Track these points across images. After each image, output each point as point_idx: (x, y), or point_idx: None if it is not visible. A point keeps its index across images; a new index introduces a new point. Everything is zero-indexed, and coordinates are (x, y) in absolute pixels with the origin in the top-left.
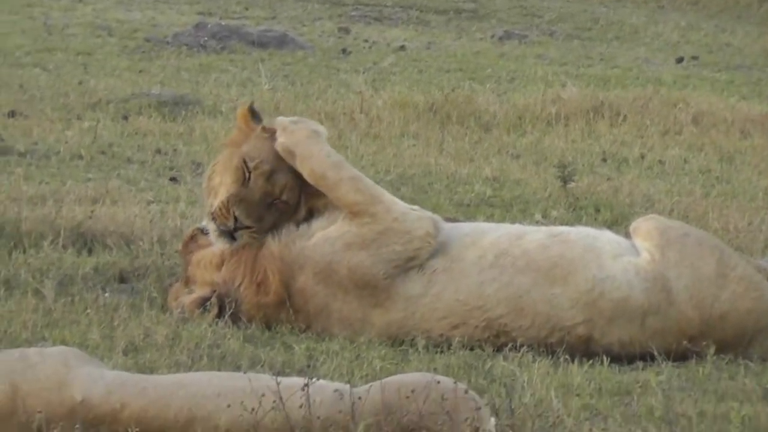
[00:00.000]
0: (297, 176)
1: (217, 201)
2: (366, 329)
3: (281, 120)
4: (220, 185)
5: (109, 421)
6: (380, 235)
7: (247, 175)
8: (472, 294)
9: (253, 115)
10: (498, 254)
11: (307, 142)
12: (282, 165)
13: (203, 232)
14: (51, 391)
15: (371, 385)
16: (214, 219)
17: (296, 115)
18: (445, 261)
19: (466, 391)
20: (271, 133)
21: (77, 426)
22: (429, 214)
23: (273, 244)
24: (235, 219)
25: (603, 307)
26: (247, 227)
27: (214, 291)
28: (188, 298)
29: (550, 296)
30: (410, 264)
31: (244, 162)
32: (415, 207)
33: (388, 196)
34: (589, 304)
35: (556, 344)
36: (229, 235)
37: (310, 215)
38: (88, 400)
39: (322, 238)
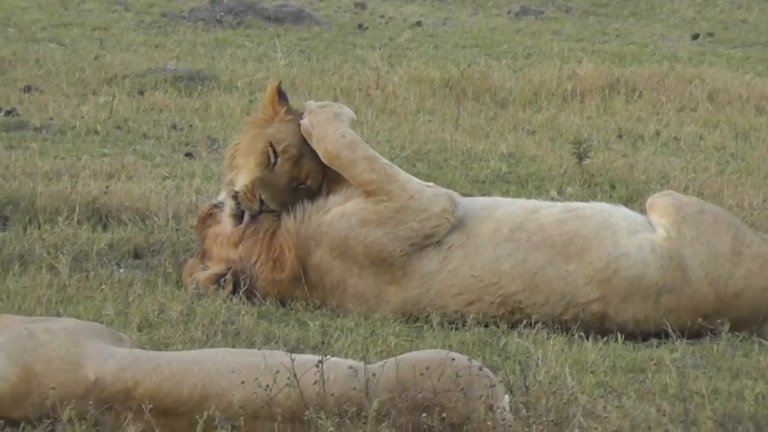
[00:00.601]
0: (321, 161)
1: (240, 182)
2: (381, 306)
3: (310, 104)
4: (243, 167)
5: (123, 398)
6: (396, 212)
7: (273, 159)
8: (487, 270)
9: (281, 95)
10: (513, 228)
11: (324, 123)
12: (308, 149)
13: (220, 208)
14: (65, 372)
15: (385, 362)
16: (235, 199)
17: (311, 90)
18: (461, 236)
19: (480, 368)
20: (297, 116)
21: (91, 404)
22: (445, 190)
23: (289, 221)
24: (261, 202)
25: (618, 284)
26: (272, 211)
27: (230, 268)
28: (203, 275)
29: (565, 273)
30: (428, 241)
31: (271, 146)
32: (431, 184)
33: (403, 175)
34: (604, 281)
35: (571, 321)
36: (241, 217)
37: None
38: (102, 378)
39: (338, 213)
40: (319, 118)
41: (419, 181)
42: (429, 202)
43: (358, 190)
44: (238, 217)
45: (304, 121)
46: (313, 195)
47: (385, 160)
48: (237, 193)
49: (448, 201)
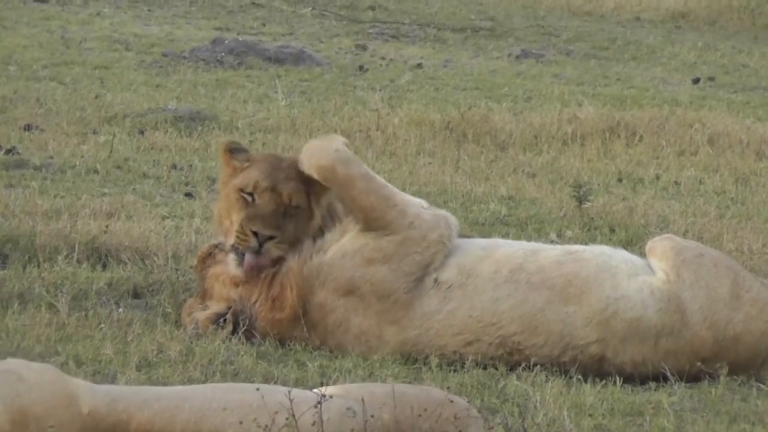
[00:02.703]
0: (300, 181)
1: (232, 235)
2: (381, 347)
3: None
4: (231, 223)
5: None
6: (399, 246)
7: (249, 199)
8: (487, 311)
9: (233, 151)
10: (513, 269)
11: (316, 144)
12: (279, 177)
13: (220, 248)
14: (62, 409)
15: (384, 403)
16: (235, 249)
17: (312, 131)
18: (461, 276)
19: (478, 411)
20: (256, 158)
21: None
22: (442, 212)
23: (292, 260)
24: (255, 234)
25: (617, 326)
26: (270, 237)
27: (230, 307)
28: (203, 314)
29: (564, 315)
30: (428, 270)
31: (241, 191)
32: (425, 204)
33: (400, 197)
34: (603, 323)
35: (569, 363)
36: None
37: (330, 216)
38: (96, 411)
39: (339, 252)
40: (311, 144)
41: (415, 200)
42: (428, 227)
43: (354, 221)
44: (242, 262)
45: (299, 155)
46: (305, 215)
47: (381, 179)
48: (233, 243)
49: (445, 224)
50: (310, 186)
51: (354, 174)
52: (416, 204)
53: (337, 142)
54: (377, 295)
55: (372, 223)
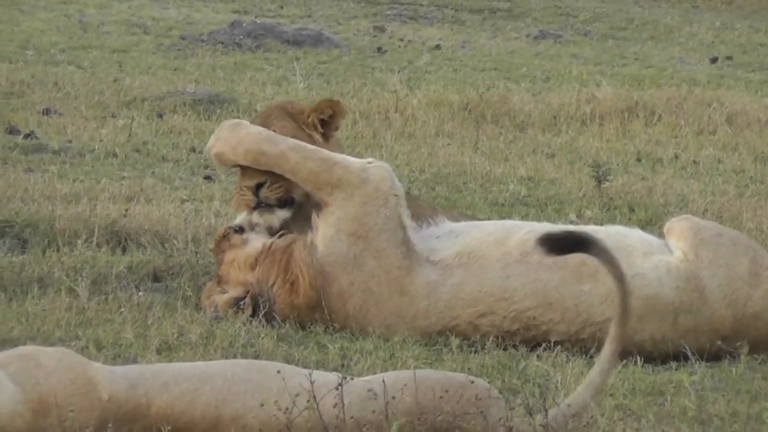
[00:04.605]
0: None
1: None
2: (399, 323)
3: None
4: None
5: (138, 418)
6: (363, 205)
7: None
8: (497, 287)
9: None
10: (524, 252)
11: (230, 130)
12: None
13: (235, 230)
14: (81, 396)
15: (405, 385)
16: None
17: None
18: (458, 257)
19: (499, 392)
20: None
21: (110, 427)
22: (379, 162)
23: (297, 248)
24: (249, 189)
25: (633, 303)
26: (259, 185)
27: (248, 291)
28: (221, 298)
29: (579, 292)
30: (403, 222)
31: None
32: (345, 156)
33: (337, 156)
34: None
35: (589, 340)
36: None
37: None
38: (115, 396)
39: (327, 240)
40: (222, 132)
41: (353, 158)
42: (377, 179)
43: (312, 201)
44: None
45: (208, 144)
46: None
47: (311, 146)
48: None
49: (389, 176)
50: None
51: (283, 148)
52: (357, 160)
53: (249, 125)
54: (384, 268)
55: (323, 186)
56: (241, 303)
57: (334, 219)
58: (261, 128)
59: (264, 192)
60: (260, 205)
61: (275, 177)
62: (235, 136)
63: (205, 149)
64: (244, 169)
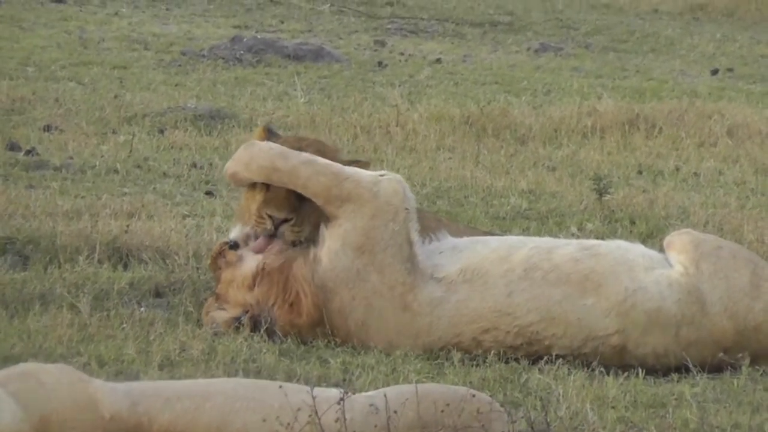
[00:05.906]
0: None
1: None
2: (400, 339)
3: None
4: (251, 213)
5: None
6: (372, 219)
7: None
8: (500, 302)
9: (270, 132)
10: (527, 268)
11: (244, 150)
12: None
13: (230, 246)
14: (83, 414)
15: (407, 399)
16: (254, 234)
17: (332, 127)
18: (462, 274)
19: (501, 405)
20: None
21: None
22: (392, 175)
23: (297, 266)
24: (270, 218)
25: (636, 317)
26: (285, 220)
27: (247, 311)
28: (221, 316)
29: (582, 306)
30: (411, 244)
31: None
32: (380, 171)
33: (349, 170)
34: (622, 314)
35: (591, 354)
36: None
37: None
38: (117, 414)
39: (332, 254)
40: (239, 154)
41: (366, 171)
42: (388, 194)
43: (322, 215)
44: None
45: (227, 165)
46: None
47: (324, 160)
48: (251, 228)
49: (400, 186)
50: None
51: (295, 163)
52: (368, 173)
53: (261, 142)
54: (387, 284)
55: (334, 201)
56: (241, 319)
57: (342, 232)
58: (273, 144)
59: (285, 229)
60: (273, 236)
61: (301, 218)
62: (247, 154)
63: (223, 173)
64: (272, 198)
